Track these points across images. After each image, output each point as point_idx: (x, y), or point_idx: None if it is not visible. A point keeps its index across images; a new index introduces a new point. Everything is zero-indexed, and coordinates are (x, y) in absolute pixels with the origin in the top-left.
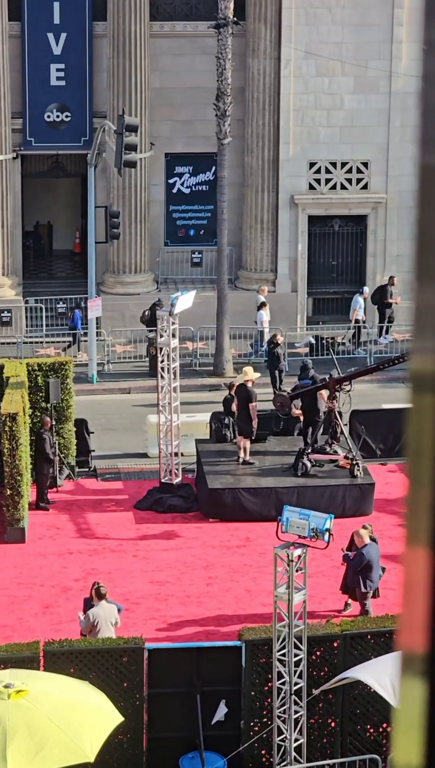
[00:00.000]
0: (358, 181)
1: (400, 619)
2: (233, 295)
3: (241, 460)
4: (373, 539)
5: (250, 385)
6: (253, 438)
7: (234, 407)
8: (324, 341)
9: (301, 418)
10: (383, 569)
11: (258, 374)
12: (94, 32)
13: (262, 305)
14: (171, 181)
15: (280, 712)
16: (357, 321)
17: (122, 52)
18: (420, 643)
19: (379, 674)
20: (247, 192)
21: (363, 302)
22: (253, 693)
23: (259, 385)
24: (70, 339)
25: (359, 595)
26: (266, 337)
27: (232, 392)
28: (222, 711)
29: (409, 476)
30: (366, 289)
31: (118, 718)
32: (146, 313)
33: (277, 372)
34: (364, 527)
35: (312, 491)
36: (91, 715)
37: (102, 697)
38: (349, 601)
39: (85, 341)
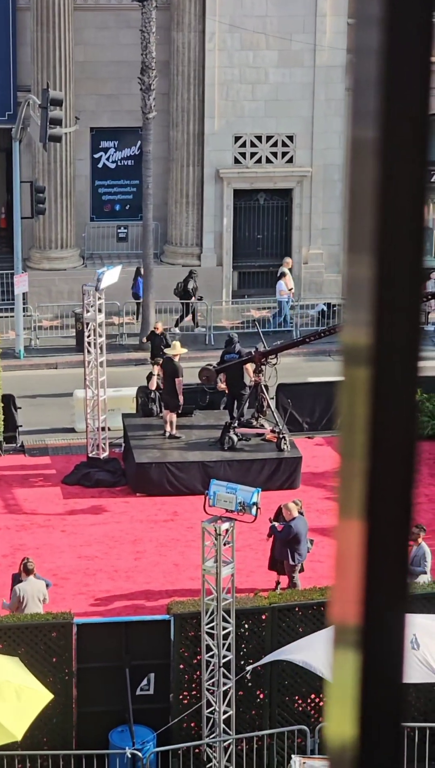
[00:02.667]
0: (283, 154)
1: (332, 592)
2: (159, 269)
3: (167, 434)
4: (300, 513)
5: (177, 359)
6: (180, 412)
7: (155, 382)
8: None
9: (226, 391)
10: (311, 542)
11: (185, 349)
12: (18, 5)
13: (281, 275)
14: (96, 155)
15: (208, 685)
16: None
17: (46, 25)
18: (352, 615)
19: (307, 652)
20: (172, 166)
21: None
22: (181, 666)
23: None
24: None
25: (287, 567)
26: (285, 308)
27: (159, 368)
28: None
29: (340, 449)
30: None
31: (46, 697)
32: (179, 285)
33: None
34: (293, 502)
35: (239, 465)
36: (18, 694)
37: (31, 678)
38: (279, 579)
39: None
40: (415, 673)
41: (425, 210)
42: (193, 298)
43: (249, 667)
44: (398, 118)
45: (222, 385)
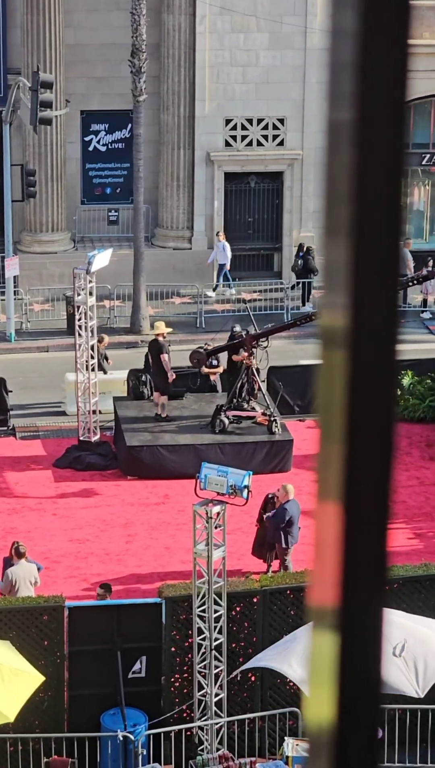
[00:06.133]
0: (274, 137)
1: (312, 574)
2: (150, 252)
3: (159, 416)
4: None
5: (161, 339)
6: (170, 394)
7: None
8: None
9: (211, 377)
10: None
11: (170, 329)
12: None
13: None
14: (87, 138)
15: (200, 668)
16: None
17: (36, 7)
18: (331, 598)
19: (289, 659)
20: (163, 149)
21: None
22: (173, 649)
23: None
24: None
25: (280, 550)
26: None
27: None
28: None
29: (319, 431)
30: None
31: (38, 680)
32: (299, 262)
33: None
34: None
35: (230, 448)
36: (10, 677)
37: (22, 661)
38: (271, 563)
39: None
40: (394, 679)
41: (402, 192)
42: (313, 275)
43: (234, 673)
44: (375, 100)
45: (206, 370)
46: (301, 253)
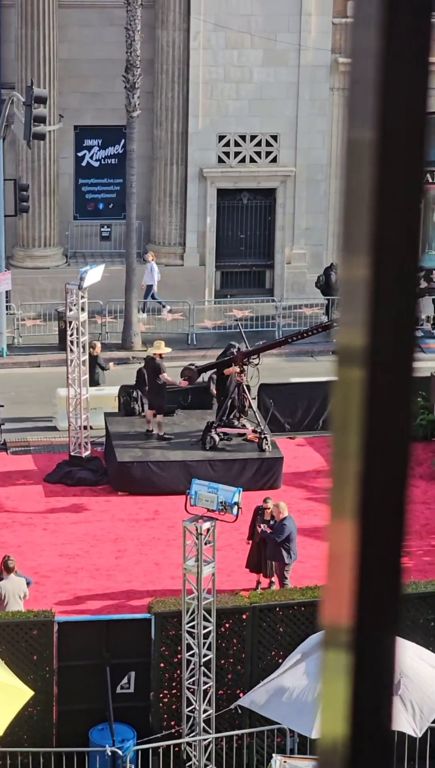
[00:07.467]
0: (267, 154)
1: (324, 592)
2: (142, 268)
3: (155, 434)
4: (272, 517)
5: (158, 359)
6: (166, 413)
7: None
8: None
9: (215, 395)
10: None
11: (169, 349)
12: (2, 2)
13: None
14: (80, 154)
15: (189, 684)
16: None
17: (30, 22)
18: (344, 616)
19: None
20: (156, 165)
21: None
22: (162, 665)
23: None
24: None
25: (279, 567)
26: None
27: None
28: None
29: (333, 449)
30: None
31: (27, 695)
32: (321, 278)
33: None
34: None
35: (220, 465)
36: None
37: (11, 675)
38: (260, 579)
39: None
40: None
41: (421, 210)
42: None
43: (234, 705)
44: (396, 118)
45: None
46: (333, 271)
